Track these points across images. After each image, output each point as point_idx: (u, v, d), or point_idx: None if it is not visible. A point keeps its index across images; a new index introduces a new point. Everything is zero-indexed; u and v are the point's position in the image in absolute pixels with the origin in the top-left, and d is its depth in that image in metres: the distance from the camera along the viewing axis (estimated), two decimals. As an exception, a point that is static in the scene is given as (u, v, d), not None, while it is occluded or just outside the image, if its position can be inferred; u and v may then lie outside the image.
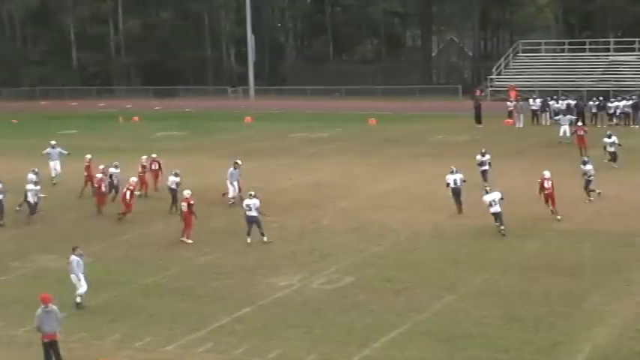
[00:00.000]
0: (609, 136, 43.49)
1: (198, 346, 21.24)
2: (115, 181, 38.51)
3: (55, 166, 43.54)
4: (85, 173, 39.94)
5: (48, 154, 43.89)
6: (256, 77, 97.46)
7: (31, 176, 36.90)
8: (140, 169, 39.69)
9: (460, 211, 34.34)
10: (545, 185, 33.03)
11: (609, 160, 42.80)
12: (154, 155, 41.42)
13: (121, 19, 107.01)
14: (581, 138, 47.53)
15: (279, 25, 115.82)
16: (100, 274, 27.05)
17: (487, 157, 38.38)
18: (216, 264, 28.53)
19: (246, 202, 31.27)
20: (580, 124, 51.21)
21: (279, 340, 21.39)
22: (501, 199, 30.87)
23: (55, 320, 19.68)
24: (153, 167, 40.73)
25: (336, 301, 24.29)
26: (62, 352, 20.75)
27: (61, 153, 44.02)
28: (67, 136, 63.95)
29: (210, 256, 29.48)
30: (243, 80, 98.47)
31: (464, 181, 34.42)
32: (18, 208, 35.58)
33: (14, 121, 77.99)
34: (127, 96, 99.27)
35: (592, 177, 35.55)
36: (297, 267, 27.76)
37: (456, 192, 34.44)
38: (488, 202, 31.02)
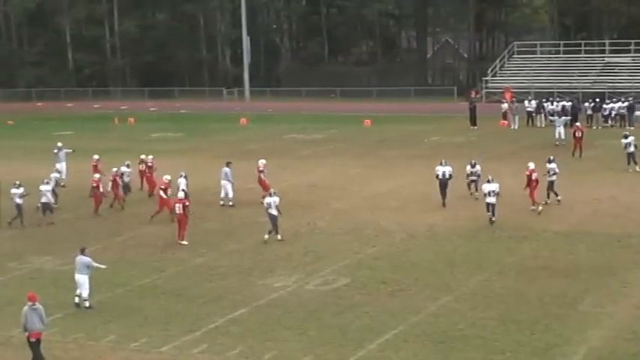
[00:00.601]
0: (625, 137, 42.75)
1: (194, 347, 21.24)
2: (127, 180, 38.58)
3: (62, 168, 43.22)
4: (94, 173, 39.86)
5: (56, 155, 43.70)
6: (252, 78, 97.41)
7: (55, 175, 37.66)
8: (147, 170, 39.74)
9: (444, 204, 35.59)
10: (533, 177, 34.07)
11: (634, 163, 42.03)
12: (142, 156, 41.31)
13: (117, 20, 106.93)
14: (578, 139, 47.47)
15: (275, 26, 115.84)
16: (96, 275, 26.97)
17: (477, 168, 37.28)
18: (212, 265, 28.53)
19: (267, 200, 31.48)
20: (578, 124, 50.96)
21: (274, 342, 21.40)
22: (497, 193, 32.36)
23: (40, 319, 19.96)
24: (141, 168, 40.79)
25: (332, 302, 24.30)
26: (58, 352, 21.03)
27: (67, 153, 43.90)
28: (63, 138, 63.80)
29: (206, 257, 29.48)
30: (239, 81, 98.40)
31: (451, 175, 36.00)
32: (55, 205, 36.37)
33: (10, 122, 77.89)
34: (122, 97, 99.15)
35: (554, 177, 35.30)
36: (292, 268, 27.77)
37: (443, 184, 35.92)
38: (487, 191, 32.45)
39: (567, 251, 28.84)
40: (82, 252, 24.76)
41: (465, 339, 21.19)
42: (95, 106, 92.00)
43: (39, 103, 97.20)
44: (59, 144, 44.46)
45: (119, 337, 22.07)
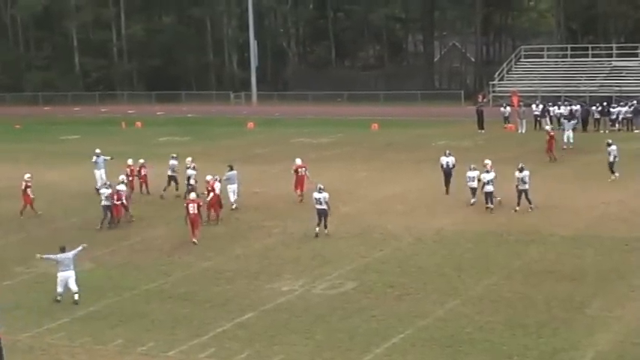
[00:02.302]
0: (609, 145, 42.36)
1: (201, 351, 21.24)
2: (193, 182, 38.42)
3: (102, 175, 42.41)
4: (130, 177, 39.86)
5: (95, 163, 42.92)
6: (259, 82, 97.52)
7: (174, 162, 40.29)
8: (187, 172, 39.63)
9: (447, 192, 38.12)
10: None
11: (611, 172, 41.19)
12: (141, 161, 41.33)
13: (124, 24, 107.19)
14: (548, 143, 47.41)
15: (282, 30, 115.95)
16: (103, 279, 27.10)
17: (476, 172, 36.26)
18: (219, 269, 28.53)
19: (316, 195, 32.20)
20: (547, 128, 50.64)
21: (281, 346, 21.39)
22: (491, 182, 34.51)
23: None
24: (142, 173, 40.80)
25: (339, 306, 24.28)
26: (65, 357, 21.10)
27: (105, 160, 43.41)
28: (70, 142, 64.01)
29: (213, 261, 29.49)
30: (246, 85, 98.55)
31: (454, 165, 38.54)
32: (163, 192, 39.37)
33: (17, 126, 78.07)
34: (129, 101, 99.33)
35: (526, 186, 34.78)
36: (299, 272, 27.75)
37: (447, 173, 38.39)
38: (485, 180, 34.45)
39: (574, 255, 28.77)
40: (63, 250, 25.16)
41: (473, 343, 21.16)
42: (102, 110, 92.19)
43: (46, 107, 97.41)
44: (97, 150, 43.73)
45: (126, 341, 22.08)
